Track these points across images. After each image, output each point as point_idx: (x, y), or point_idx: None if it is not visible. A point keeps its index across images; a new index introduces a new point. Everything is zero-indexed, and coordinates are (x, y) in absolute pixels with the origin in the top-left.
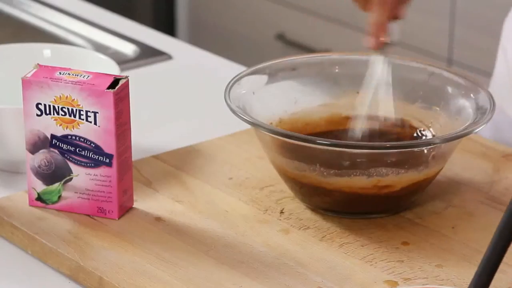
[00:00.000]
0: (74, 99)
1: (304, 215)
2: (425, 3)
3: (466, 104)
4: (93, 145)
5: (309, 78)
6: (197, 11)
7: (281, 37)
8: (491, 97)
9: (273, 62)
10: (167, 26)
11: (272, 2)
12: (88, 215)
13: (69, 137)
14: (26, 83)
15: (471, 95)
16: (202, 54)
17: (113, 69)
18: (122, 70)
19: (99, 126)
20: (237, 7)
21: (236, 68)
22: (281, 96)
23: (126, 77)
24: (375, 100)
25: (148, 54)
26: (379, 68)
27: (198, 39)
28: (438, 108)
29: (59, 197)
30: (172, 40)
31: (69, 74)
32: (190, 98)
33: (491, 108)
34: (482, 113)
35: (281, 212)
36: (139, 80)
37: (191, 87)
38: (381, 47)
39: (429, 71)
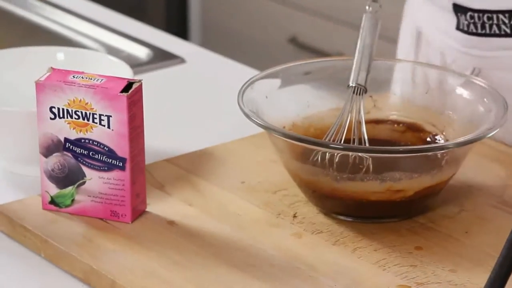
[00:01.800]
0: (87, 103)
1: (317, 219)
2: None
3: (480, 108)
4: (106, 149)
5: (322, 82)
6: (209, 15)
7: (293, 41)
8: (504, 101)
9: (286, 66)
10: (180, 29)
11: (285, 5)
12: (101, 219)
13: (82, 140)
14: (40, 87)
15: (484, 99)
16: (215, 58)
17: (127, 73)
18: (135, 73)
19: (112, 130)
20: (250, 11)
21: (249, 72)
22: (294, 100)
23: (140, 80)
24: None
25: (161, 57)
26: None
27: (210, 43)
28: (451, 113)
29: (72, 200)
30: (185, 43)
31: (82, 77)
32: (203, 101)
33: (504, 112)
34: (495, 117)
35: (294, 216)
36: (152, 83)
37: (204, 90)
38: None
39: (443, 75)
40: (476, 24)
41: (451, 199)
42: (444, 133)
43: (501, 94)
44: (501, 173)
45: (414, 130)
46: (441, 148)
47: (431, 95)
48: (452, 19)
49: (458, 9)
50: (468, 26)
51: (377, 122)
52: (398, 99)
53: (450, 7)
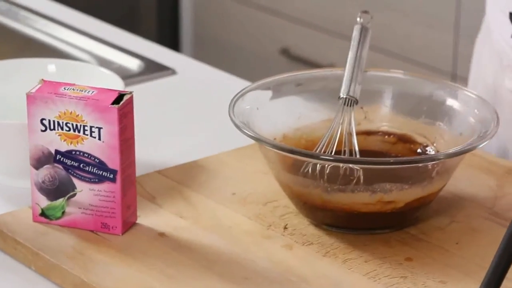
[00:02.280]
0: (78, 115)
1: (308, 230)
2: (429, 17)
3: (470, 120)
4: (97, 161)
5: (314, 94)
6: (201, 26)
7: (285, 52)
8: (495, 112)
9: (278, 77)
10: (172, 41)
11: (276, 16)
12: (92, 231)
13: (73, 152)
14: (31, 99)
15: (475, 110)
16: (206, 69)
17: (118, 84)
18: (126, 85)
19: (103, 142)
20: (241, 22)
21: (240, 83)
22: (285, 112)
23: (131, 92)
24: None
25: (152, 69)
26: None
27: (202, 54)
28: (442, 124)
29: (63, 212)
30: (176, 55)
31: (73, 89)
32: (194, 113)
33: (495, 123)
34: (486, 128)
35: (285, 227)
36: (143, 95)
37: (195, 102)
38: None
39: (433, 86)
40: None
41: (442, 210)
42: (435, 144)
43: (492, 105)
44: (492, 184)
45: (405, 141)
46: (432, 159)
47: (422, 106)
48: (509, 26)
49: None
50: None
51: (368, 133)
52: (389, 111)
53: (508, 14)
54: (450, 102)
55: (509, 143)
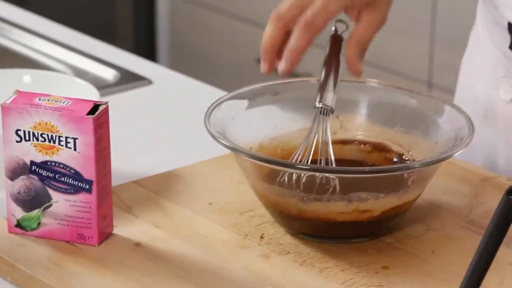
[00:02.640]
0: (53, 125)
1: (284, 240)
2: (404, 26)
3: (446, 128)
4: (73, 171)
5: (290, 103)
6: (178, 36)
7: None
8: (470, 121)
9: (253, 86)
10: (148, 51)
11: (253, 26)
12: (68, 242)
13: (48, 163)
14: (6, 110)
15: (450, 119)
16: (182, 79)
17: (93, 95)
18: (102, 95)
19: (78, 152)
20: (218, 32)
21: (217, 93)
22: (261, 121)
23: (106, 102)
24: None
25: (128, 79)
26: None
27: (179, 64)
28: (417, 132)
29: (39, 223)
30: (152, 65)
31: (48, 100)
32: (170, 123)
33: (470, 132)
34: (461, 137)
35: (261, 237)
36: (119, 105)
37: (171, 112)
38: (287, 72)
39: (409, 95)
40: None
41: (418, 219)
42: (410, 153)
43: (467, 114)
44: (467, 192)
45: (380, 150)
46: (408, 168)
47: (398, 115)
48: (506, 37)
49: None
50: None
51: (344, 142)
52: (364, 120)
53: (506, 25)
54: (425, 111)
55: (500, 155)
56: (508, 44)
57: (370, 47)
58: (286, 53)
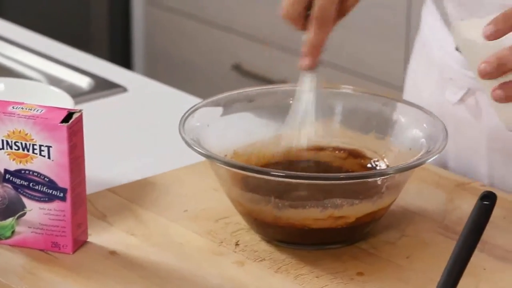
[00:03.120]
0: (27, 134)
1: (259, 246)
2: (380, 32)
3: (419, 134)
4: (47, 180)
5: (265, 110)
6: (153, 43)
7: (237, 68)
8: (444, 127)
9: (228, 94)
10: (124, 58)
11: (228, 32)
12: (42, 250)
13: (22, 171)
14: None
15: (424, 125)
16: (157, 86)
17: (67, 103)
18: (76, 103)
19: (52, 160)
20: (193, 38)
21: (192, 100)
22: (236, 128)
23: (80, 110)
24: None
25: (103, 86)
26: (307, 88)
27: (154, 71)
28: (391, 138)
29: (13, 232)
30: (127, 72)
31: (22, 108)
32: (145, 130)
33: (443, 137)
34: (434, 142)
35: (236, 244)
36: (94, 112)
37: (146, 119)
38: (314, 67)
39: (383, 102)
40: None
41: (393, 225)
42: (385, 159)
43: (440, 120)
44: (441, 198)
45: (355, 156)
46: (382, 174)
47: (372, 121)
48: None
49: None
50: None
51: (319, 149)
52: (339, 126)
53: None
54: (400, 117)
55: (449, 157)
56: (454, 45)
57: (347, 53)
58: (308, 49)
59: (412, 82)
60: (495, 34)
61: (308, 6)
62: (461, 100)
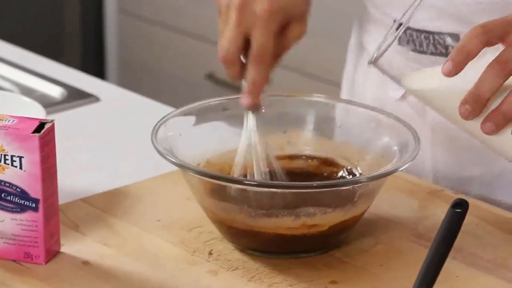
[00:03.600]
0: None
1: (233, 255)
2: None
3: (392, 142)
4: (19, 190)
5: (238, 118)
6: (126, 52)
7: (211, 77)
8: (415, 134)
9: (200, 103)
10: (97, 68)
11: (201, 41)
12: (15, 261)
13: None
14: None
15: (396, 132)
16: (130, 96)
17: (39, 113)
18: (49, 113)
19: (24, 171)
20: (167, 48)
21: (165, 109)
22: (209, 137)
23: (52, 121)
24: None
25: (75, 96)
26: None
27: (128, 81)
28: (364, 147)
29: None
30: (100, 82)
31: None
32: (117, 140)
33: (415, 144)
34: (406, 150)
35: (210, 253)
36: (67, 122)
37: (119, 129)
38: (256, 106)
39: (355, 110)
40: (414, 41)
41: (366, 233)
42: (358, 167)
43: (412, 127)
44: (414, 205)
45: (328, 164)
46: (355, 182)
47: (344, 129)
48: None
49: (399, 27)
50: (407, 42)
51: (292, 157)
52: (311, 134)
53: (392, 23)
54: (372, 125)
55: None
56: (397, 40)
57: (310, 58)
58: (249, 87)
59: (349, 84)
60: (455, 69)
61: (245, 48)
62: (403, 96)
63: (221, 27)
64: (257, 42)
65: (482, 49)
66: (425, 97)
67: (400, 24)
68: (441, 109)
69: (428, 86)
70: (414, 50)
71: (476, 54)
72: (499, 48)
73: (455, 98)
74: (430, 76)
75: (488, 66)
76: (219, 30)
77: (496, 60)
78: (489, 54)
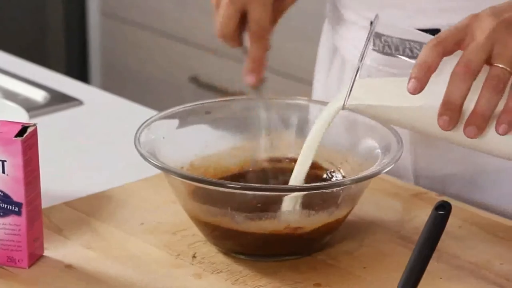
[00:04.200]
0: None
1: (217, 258)
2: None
3: (375, 145)
4: (1, 194)
5: (221, 121)
6: (110, 56)
7: (194, 80)
8: (398, 136)
9: (184, 106)
10: (81, 71)
11: (185, 44)
12: None
13: None
14: None
15: (379, 135)
16: (113, 99)
17: (22, 116)
18: (32, 117)
19: (7, 175)
20: (150, 51)
21: (148, 113)
22: (192, 140)
23: (35, 124)
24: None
25: (58, 100)
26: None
27: (111, 84)
28: (347, 149)
29: None
30: (83, 85)
31: None
32: (101, 143)
33: (398, 146)
34: (389, 152)
35: (194, 256)
36: (50, 126)
37: (103, 132)
38: (261, 83)
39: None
40: (390, 46)
41: (350, 235)
42: (341, 170)
43: (395, 129)
44: (398, 208)
45: (311, 167)
46: (338, 185)
47: (326, 132)
48: (364, 33)
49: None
50: (383, 47)
51: (275, 160)
52: (295, 137)
53: (367, 28)
54: (354, 128)
55: None
56: (371, 45)
57: (293, 60)
58: (252, 64)
59: (322, 88)
60: (420, 85)
61: (242, 21)
62: None
63: (215, 1)
64: (254, 18)
65: (440, 60)
66: (394, 115)
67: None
68: (415, 125)
69: (394, 103)
70: (390, 54)
71: (437, 67)
72: (458, 54)
73: (429, 113)
74: (388, 93)
75: (452, 73)
76: (214, 3)
77: (459, 65)
78: (449, 63)
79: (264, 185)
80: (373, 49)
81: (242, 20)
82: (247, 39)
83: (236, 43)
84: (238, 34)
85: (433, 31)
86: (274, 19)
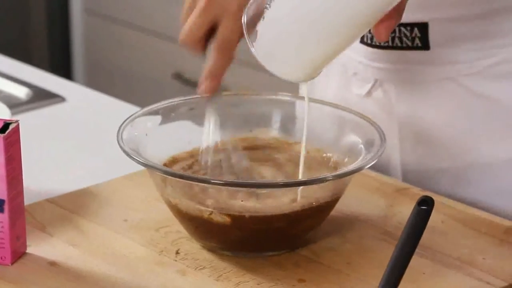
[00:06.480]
0: None
1: (200, 255)
2: None
3: (358, 140)
4: None
5: (203, 118)
6: (93, 53)
7: (178, 76)
8: (381, 131)
9: (167, 102)
10: (64, 68)
11: (168, 41)
12: None
13: None
14: None
15: (362, 130)
16: (96, 96)
17: (4, 113)
18: (14, 113)
19: None
20: (134, 47)
21: (131, 109)
22: (175, 136)
23: (17, 121)
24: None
25: (41, 96)
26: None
27: (95, 81)
28: (330, 145)
29: None
30: (66, 82)
31: None
32: (84, 140)
33: (381, 142)
34: (372, 148)
35: (177, 252)
36: (32, 123)
37: (85, 129)
38: (215, 93)
39: (320, 108)
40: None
41: (334, 231)
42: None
43: (377, 124)
44: (382, 204)
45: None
46: (321, 181)
47: (309, 128)
48: None
49: None
50: (371, 39)
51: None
52: (277, 133)
53: None
54: (337, 123)
55: None
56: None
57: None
58: (210, 70)
59: (310, 87)
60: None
61: (209, 33)
62: (368, 93)
63: (187, 6)
64: (223, 35)
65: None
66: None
67: None
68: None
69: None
70: (378, 46)
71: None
72: None
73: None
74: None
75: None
76: (185, 9)
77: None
78: None
79: (246, 181)
80: (361, 42)
81: (211, 29)
82: (211, 47)
83: (198, 51)
84: (203, 43)
85: (420, 25)
86: (242, 34)
